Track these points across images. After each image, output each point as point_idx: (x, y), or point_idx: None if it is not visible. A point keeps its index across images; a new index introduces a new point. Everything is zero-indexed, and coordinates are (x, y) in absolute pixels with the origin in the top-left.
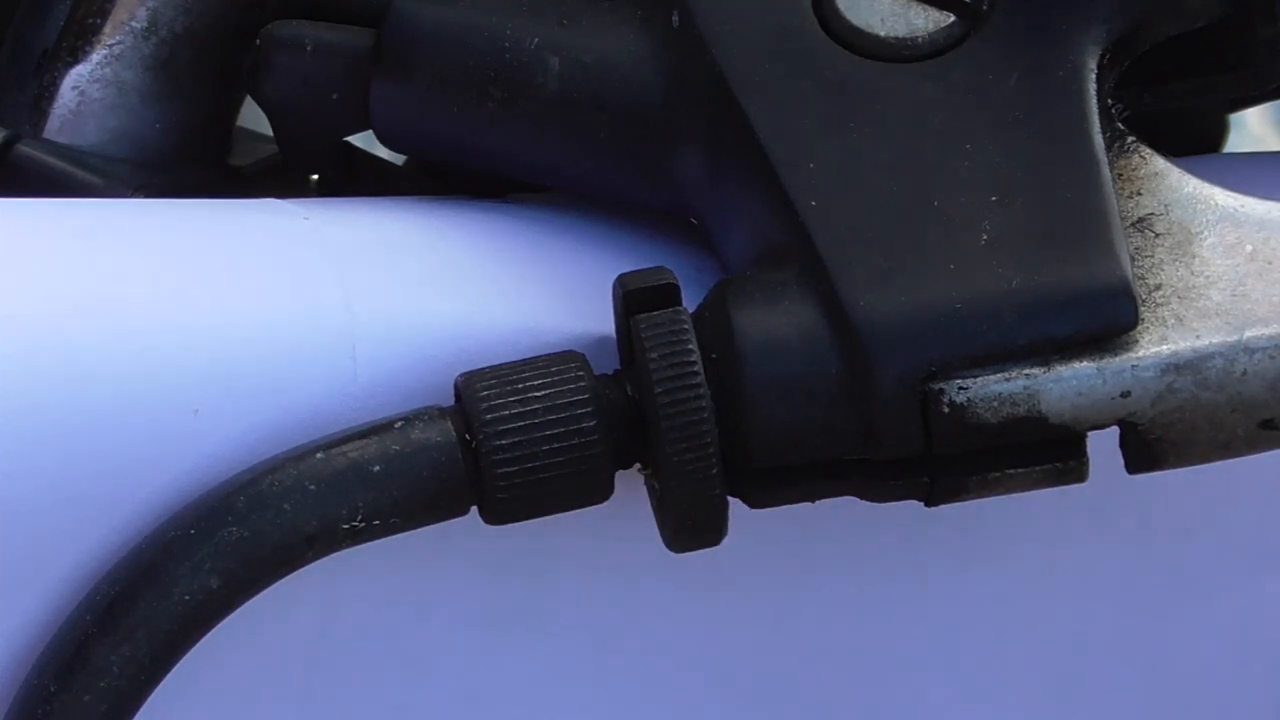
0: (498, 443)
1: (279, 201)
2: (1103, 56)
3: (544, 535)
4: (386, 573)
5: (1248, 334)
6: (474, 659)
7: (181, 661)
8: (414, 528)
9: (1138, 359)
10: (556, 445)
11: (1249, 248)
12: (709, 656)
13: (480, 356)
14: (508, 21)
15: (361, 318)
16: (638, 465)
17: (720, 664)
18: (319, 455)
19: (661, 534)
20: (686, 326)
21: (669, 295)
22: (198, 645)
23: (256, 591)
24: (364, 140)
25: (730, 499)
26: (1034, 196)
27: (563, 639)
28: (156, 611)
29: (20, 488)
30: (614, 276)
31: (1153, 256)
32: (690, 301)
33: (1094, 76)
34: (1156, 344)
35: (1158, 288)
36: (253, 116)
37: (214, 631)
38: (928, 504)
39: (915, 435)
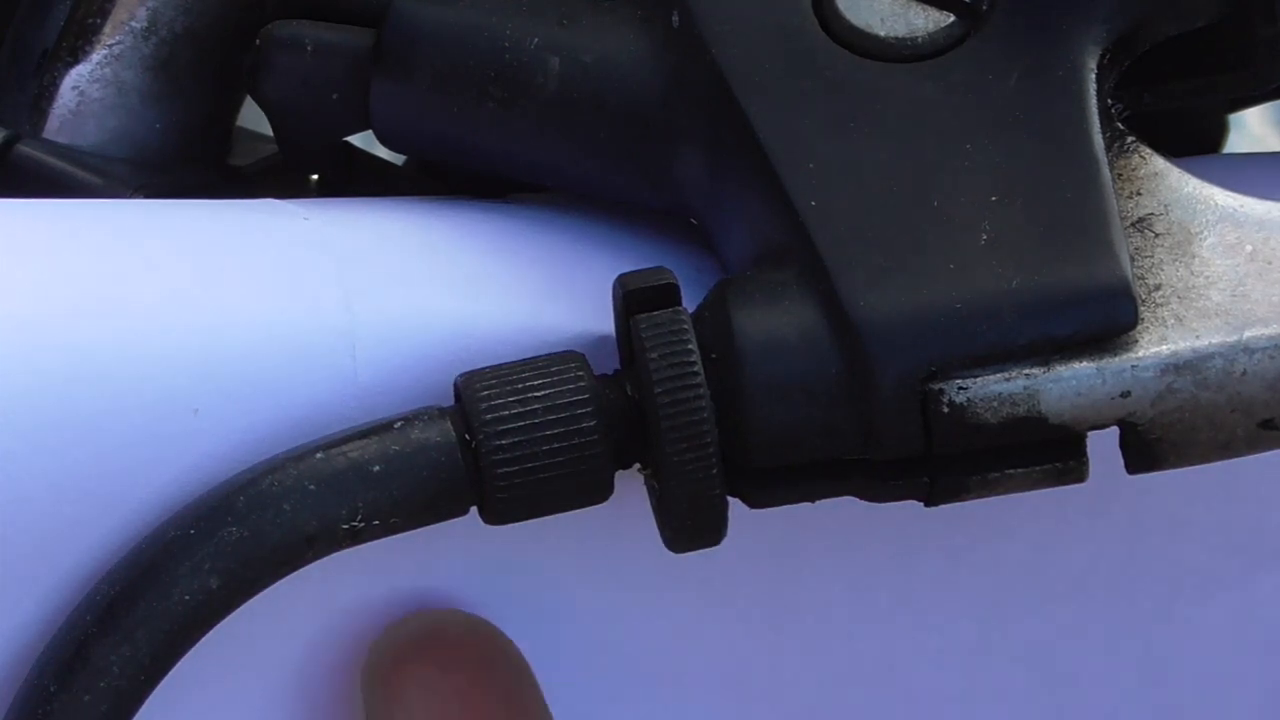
0: (498, 443)
1: (279, 201)
2: (1103, 56)
3: (544, 535)
4: (387, 572)
5: (1248, 334)
6: None
7: (181, 661)
8: (414, 528)
9: (1138, 359)
10: (556, 445)
11: (1249, 248)
12: (709, 656)
13: (480, 356)
14: (508, 21)
15: (361, 317)
16: (638, 465)
17: (720, 664)
18: (319, 455)
19: (661, 534)
20: (686, 326)
21: (669, 295)
22: (198, 645)
23: (256, 591)
24: (364, 140)
25: (730, 499)
26: (1034, 196)
27: (562, 639)
28: (156, 611)
29: (20, 488)
30: (614, 276)
31: (1153, 256)
32: (690, 301)
33: (1094, 76)
34: (1156, 344)
35: (1158, 288)
36: (253, 116)
37: (214, 631)
38: (928, 504)
39: (915, 435)
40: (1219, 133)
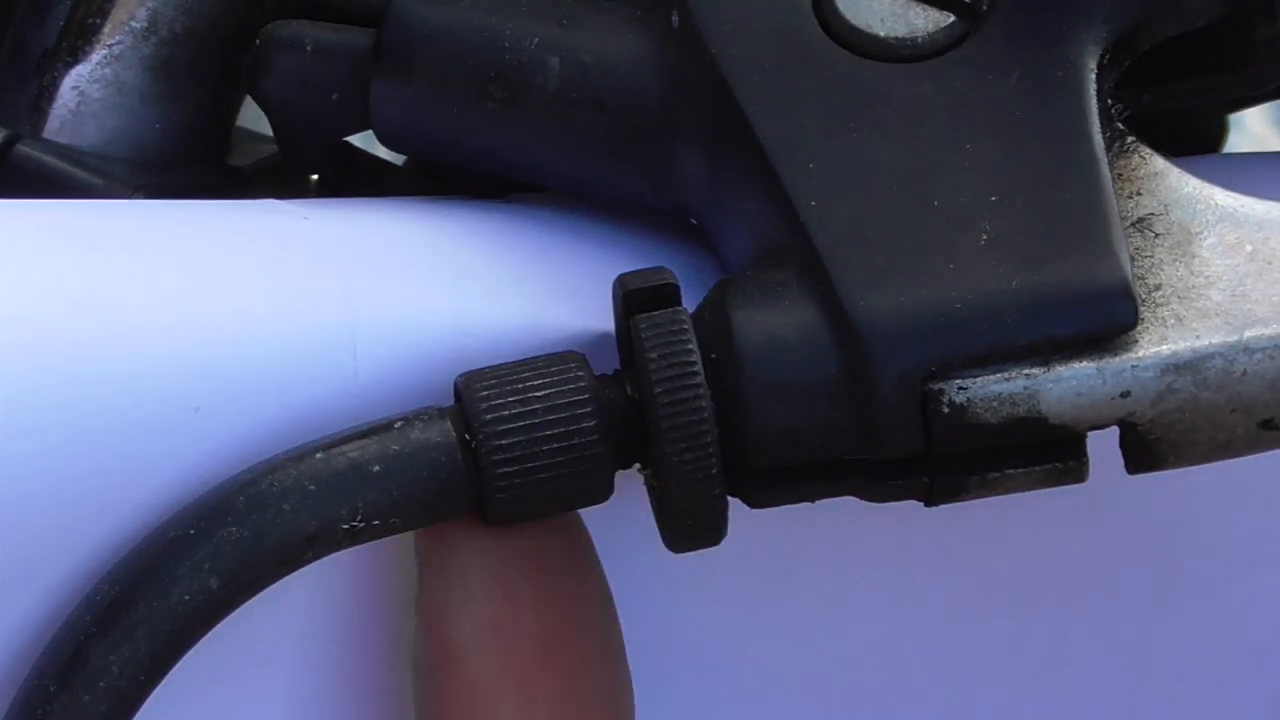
0: (498, 443)
1: (279, 202)
2: (1103, 57)
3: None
4: (387, 572)
5: (1248, 334)
6: None
7: (181, 662)
8: (414, 528)
9: (1137, 359)
10: (556, 445)
11: (1249, 248)
12: (709, 656)
13: (480, 356)
14: (508, 21)
15: (361, 317)
16: (638, 465)
17: (720, 663)
18: (319, 455)
19: (661, 534)
20: (686, 326)
21: (669, 295)
22: (197, 645)
23: (256, 591)
24: (364, 140)
25: (730, 499)
26: (1034, 196)
27: None
28: (156, 611)
29: (20, 487)
30: (614, 276)
31: (1153, 256)
32: (690, 301)
33: (1094, 76)
34: (1156, 344)
35: (1158, 288)
36: (253, 116)
37: (214, 631)
38: (928, 504)
39: (915, 435)
40: (1219, 133)
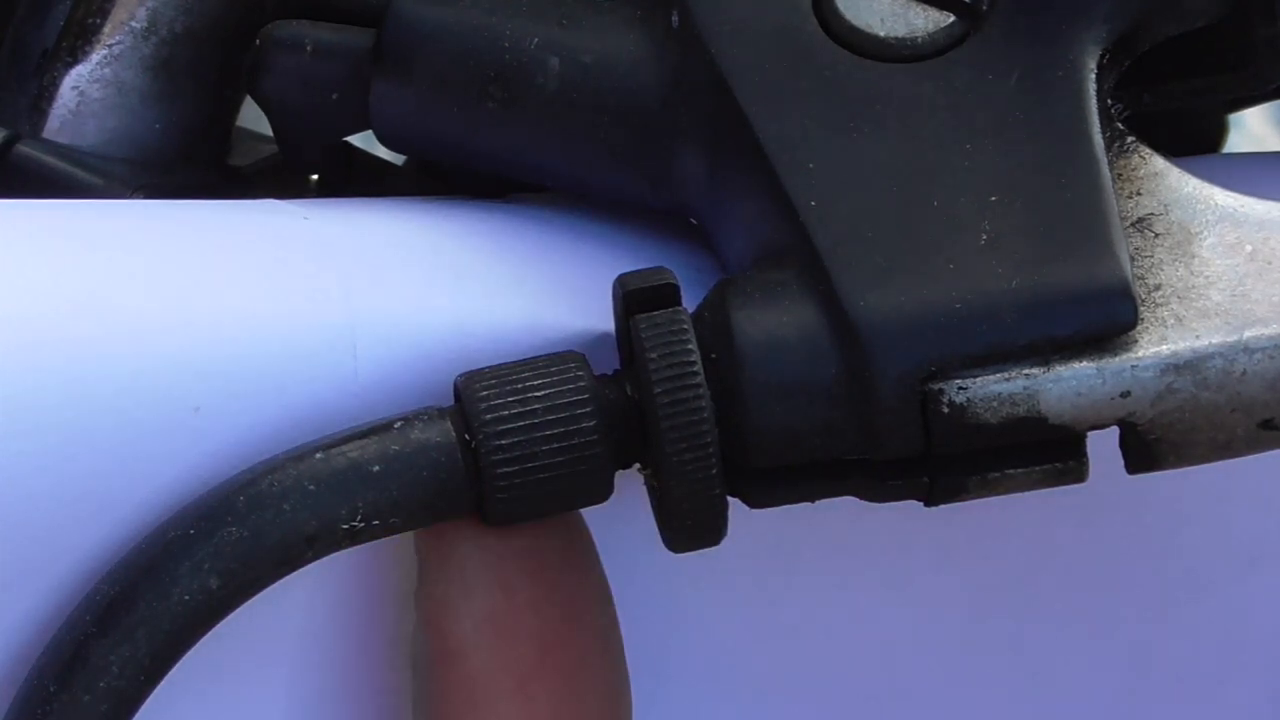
0: (498, 443)
1: (279, 202)
2: (1103, 57)
3: None
4: (387, 571)
5: (1247, 334)
6: None
7: (181, 662)
8: (414, 528)
9: (1137, 359)
10: (556, 445)
11: (1249, 248)
12: (709, 656)
13: (480, 356)
14: (508, 21)
15: (361, 317)
16: (638, 465)
17: (720, 663)
18: (319, 455)
19: (661, 534)
20: (686, 326)
21: (669, 295)
22: (197, 645)
23: (256, 591)
24: (364, 140)
25: (730, 499)
26: (1034, 196)
27: None
28: (156, 611)
29: (20, 487)
30: (614, 276)
31: (1152, 256)
32: (690, 301)
33: (1094, 76)
34: (1156, 344)
35: (1157, 288)
36: (253, 116)
37: (214, 631)
38: (928, 504)
39: (915, 435)
40: (1219, 133)
